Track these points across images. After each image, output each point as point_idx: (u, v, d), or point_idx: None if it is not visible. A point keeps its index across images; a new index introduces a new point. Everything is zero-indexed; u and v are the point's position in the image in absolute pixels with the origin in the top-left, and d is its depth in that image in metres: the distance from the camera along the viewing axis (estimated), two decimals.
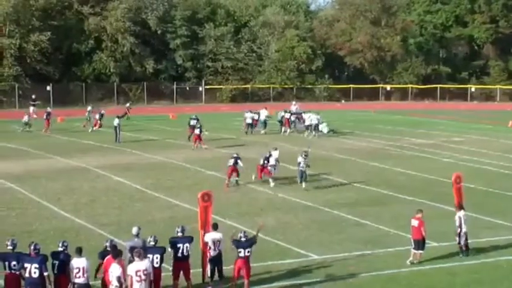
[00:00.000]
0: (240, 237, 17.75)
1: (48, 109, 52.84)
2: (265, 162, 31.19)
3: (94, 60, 77.40)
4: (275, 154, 31.82)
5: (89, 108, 55.02)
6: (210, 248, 18.06)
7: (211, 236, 18.14)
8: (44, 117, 51.29)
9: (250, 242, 17.64)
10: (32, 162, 37.54)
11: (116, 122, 45.62)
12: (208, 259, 18.15)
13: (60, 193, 29.42)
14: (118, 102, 76.21)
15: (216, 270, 18.21)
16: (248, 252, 17.47)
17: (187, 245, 17.31)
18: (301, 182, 30.64)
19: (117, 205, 27.35)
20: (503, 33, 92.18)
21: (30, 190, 29.75)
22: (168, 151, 41.13)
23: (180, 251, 17.25)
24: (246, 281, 17.42)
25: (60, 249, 16.25)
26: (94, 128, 50.83)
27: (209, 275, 18.16)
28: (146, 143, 45.15)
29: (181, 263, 17.30)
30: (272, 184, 30.54)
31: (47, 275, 15.59)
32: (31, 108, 62.15)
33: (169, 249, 17.35)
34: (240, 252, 17.43)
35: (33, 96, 65.29)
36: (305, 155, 30.84)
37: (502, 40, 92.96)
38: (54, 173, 34.13)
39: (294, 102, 55.52)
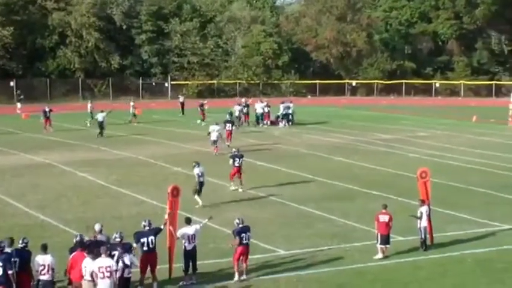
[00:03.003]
0: (238, 223, 18.38)
1: (46, 108, 49.58)
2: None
3: (58, 56, 76.61)
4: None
5: (131, 103, 55.16)
6: (184, 242, 18.07)
7: (184, 231, 18.11)
8: (43, 117, 48.88)
9: (248, 227, 18.44)
10: None
11: (101, 116, 45.54)
12: (183, 253, 18.13)
13: (24, 189, 29.13)
14: (84, 98, 75.56)
15: (191, 264, 18.17)
16: (248, 237, 18.28)
17: (151, 237, 17.44)
18: (199, 193, 26.57)
19: (82, 201, 27.16)
20: (467, 29, 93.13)
21: None
22: (134, 147, 40.89)
23: (146, 244, 17.38)
24: (245, 265, 18.35)
25: (20, 246, 16.07)
26: (202, 120, 51.83)
27: (184, 268, 18.13)
28: (112, 138, 44.81)
29: (147, 255, 17.42)
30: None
31: (12, 273, 15.38)
32: (18, 104, 61.40)
33: (134, 245, 17.37)
34: (243, 237, 18.10)
35: (18, 92, 64.82)
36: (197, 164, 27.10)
37: (466, 36, 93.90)
38: (18, 169, 33.78)
39: (243, 100, 56.07)
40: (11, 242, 16.11)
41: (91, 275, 15.41)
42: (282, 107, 53.54)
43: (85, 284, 15.59)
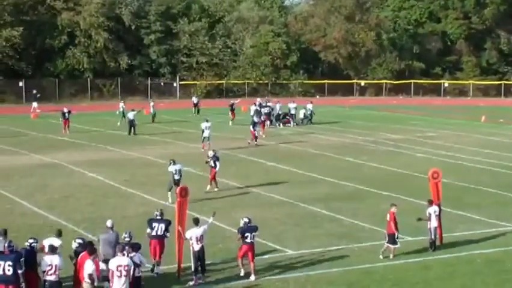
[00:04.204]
0: (247, 222, 18.58)
1: (65, 109, 49.06)
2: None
3: (67, 56, 76.78)
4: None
5: (151, 103, 56.05)
6: (192, 243, 18.11)
7: (192, 232, 18.15)
8: (62, 118, 48.40)
9: (255, 227, 18.70)
10: (5, 158, 37.22)
11: (131, 115, 46.57)
12: (191, 254, 18.16)
13: (33, 189, 29.19)
14: (92, 98, 75.82)
15: (199, 265, 18.20)
16: (254, 236, 18.47)
17: (162, 225, 18.60)
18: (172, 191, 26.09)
19: (91, 201, 27.21)
20: (476, 29, 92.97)
21: (3, 187, 29.49)
22: (143, 147, 40.96)
23: (155, 230, 18.60)
24: (252, 264, 18.43)
25: (27, 244, 16.16)
26: (232, 120, 52.57)
27: (193, 269, 18.15)
28: (120, 138, 44.92)
29: (155, 241, 18.58)
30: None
31: (22, 272, 15.41)
32: (34, 103, 61.68)
33: (148, 230, 18.75)
34: (247, 237, 18.28)
35: (34, 91, 65.08)
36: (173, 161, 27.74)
37: (475, 36, 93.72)
38: (27, 169, 33.87)
39: (258, 99, 56.50)
40: (59, 233, 17.21)
41: (90, 277, 15.44)
42: (278, 106, 53.49)
43: (85, 286, 15.61)
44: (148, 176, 32.20)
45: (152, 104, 55.75)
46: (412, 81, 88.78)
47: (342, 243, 21.76)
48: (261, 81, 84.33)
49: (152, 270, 18.56)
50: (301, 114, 55.02)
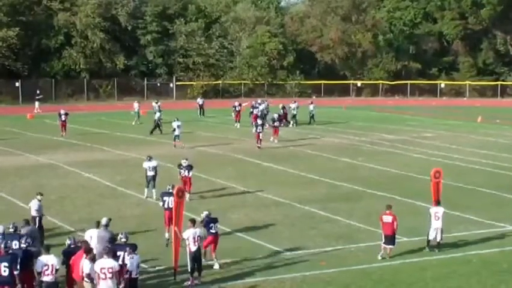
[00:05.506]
0: (208, 214, 19.73)
1: (62, 110, 47.73)
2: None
3: (63, 56, 76.61)
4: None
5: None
6: (189, 243, 18.10)
7: (189, 233, 18.13)
8: (58, 119, 47.34)
9: (216, 219, 19.93)
10: (1, 159, 37.13)
11: (157, 115, 48.10)
12: (188, 254, 18.12)
13: (29, 190, 29.07)
14: (88, 99, 75.71)
15: (196, 265, 18.15)
16: (217, 227, 19.69)
17: (172, 198, 20.33)
18: (148, 187, 27.56)
19: (87, 202, 27.19)
20: (472, 30, 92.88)
21: None
22: (139, 147, 40.83)
23: (166, 202, 21.48)
24: (214, 254, 19.45)
25: (24, 245, 16.14)
26: (237, 123, 52.41)
27: (189, 270, 18.11)
28: (117, 139, 44.85)
29: (168, 212, 21.09)
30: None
31: (17, 273, 15.36)
32: (36, 103, 61.49)
33: (160, 203, 21.98)
34: (211, 227, 19.41)
35: (38, 91, 64.96)
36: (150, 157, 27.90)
37: (471, 36, 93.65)
38: (23, 170, 33.82)
39: (259, 100, 56.22)
40: (98, 224, 18.00)
41: (88, 276, 15.41)
42: (263, 106, 53.33)
43: (85, 285, 15.58)
44: (143, 177, 32.05)
45: (159, 103, 55.14)
46: (408, 81, 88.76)
47: (338, 244, 21.77)
48: (257, 82, 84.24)
49: (167, 245, 20.69)
50: (293, 109, 54.84)
